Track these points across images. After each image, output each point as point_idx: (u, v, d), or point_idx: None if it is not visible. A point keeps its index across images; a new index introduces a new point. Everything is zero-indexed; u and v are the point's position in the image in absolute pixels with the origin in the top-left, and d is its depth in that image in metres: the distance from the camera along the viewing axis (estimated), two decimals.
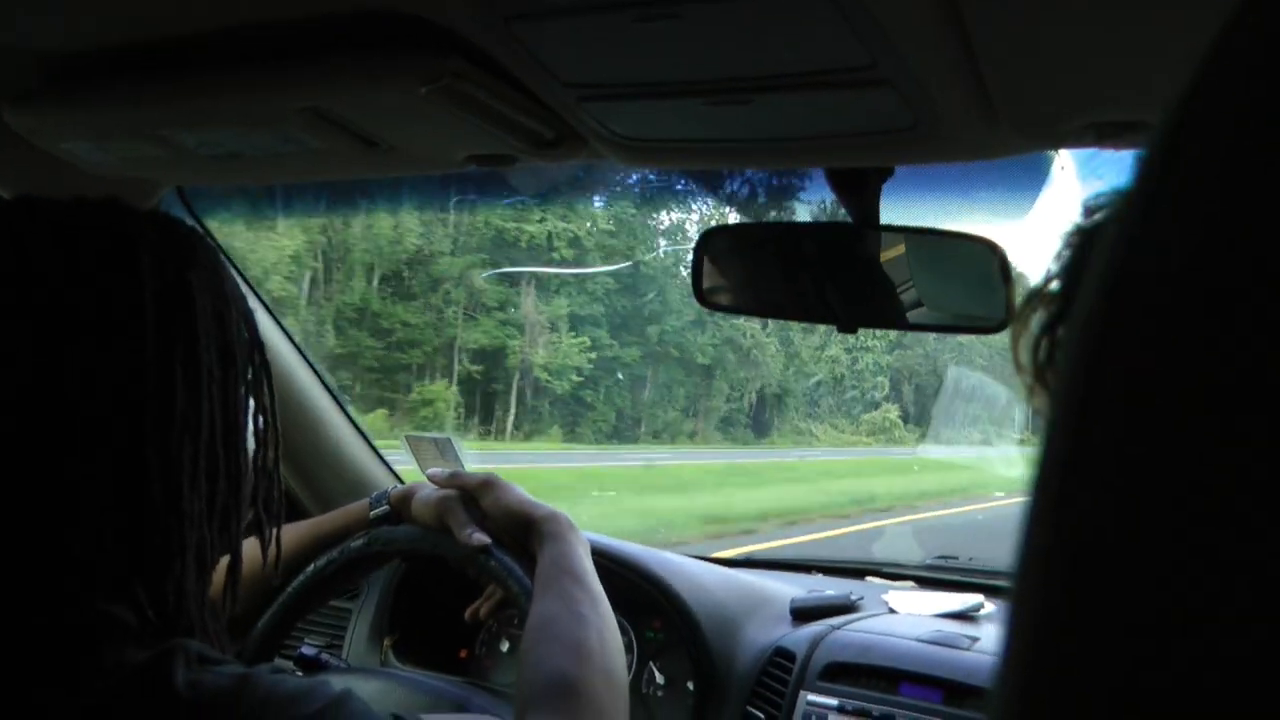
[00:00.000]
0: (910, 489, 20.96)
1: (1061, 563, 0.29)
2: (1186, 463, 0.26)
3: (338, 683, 1.04)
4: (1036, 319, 0.62)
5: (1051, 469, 0.30)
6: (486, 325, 29.74)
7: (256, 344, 1.16)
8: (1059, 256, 0.62)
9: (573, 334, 30.81)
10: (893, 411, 38.55)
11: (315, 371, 2.32)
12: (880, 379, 38.12)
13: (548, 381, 30.19)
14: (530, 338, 30.22)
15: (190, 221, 1.81)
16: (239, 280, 1.18)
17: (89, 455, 0.99)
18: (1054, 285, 0.61)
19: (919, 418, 38.05)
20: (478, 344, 29.55)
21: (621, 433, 32.93)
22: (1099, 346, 0.29)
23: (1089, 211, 0.61)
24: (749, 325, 34.20)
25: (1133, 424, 0.27)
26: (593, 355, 30.91)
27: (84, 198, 1.07)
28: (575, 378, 30.50)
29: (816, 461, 30.10)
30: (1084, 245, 0.60)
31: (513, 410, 30.54)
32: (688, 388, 34.76)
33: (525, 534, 1.47)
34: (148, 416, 1.01)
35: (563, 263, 31.41)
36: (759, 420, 37.26)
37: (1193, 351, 0.26)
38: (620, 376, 32.71)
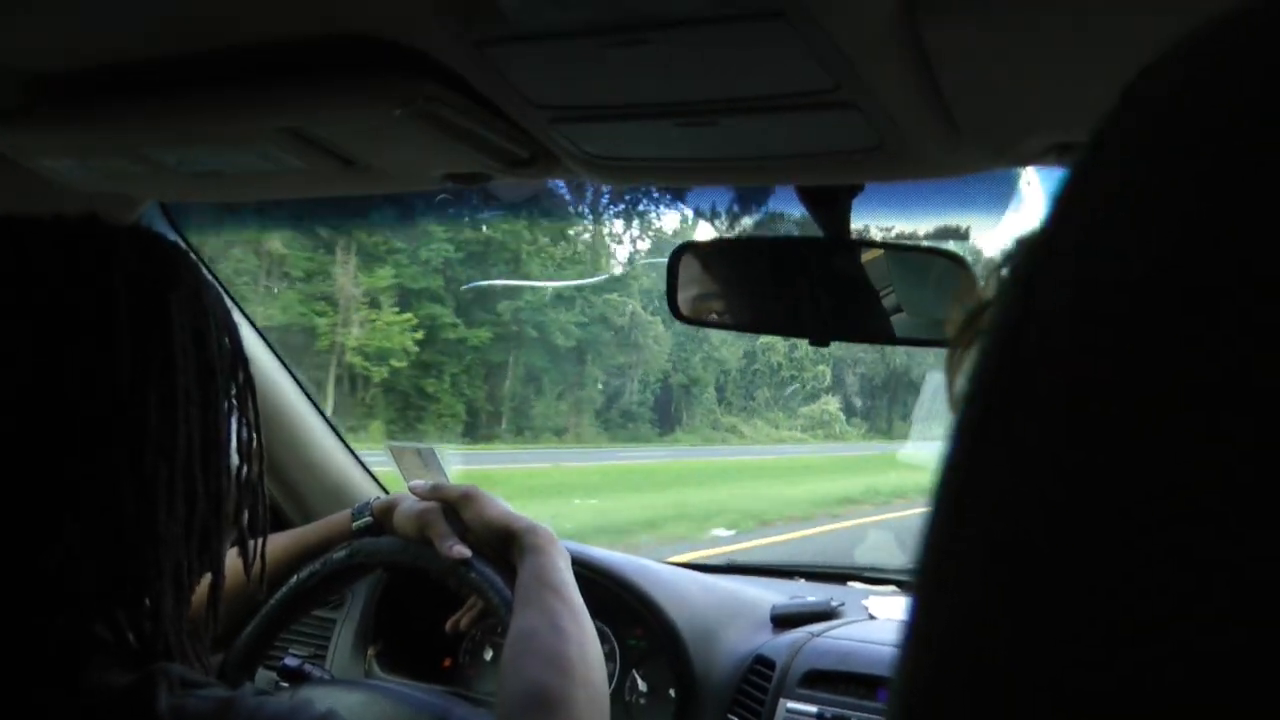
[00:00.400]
0: (824, 494, 19.07)
1: (991, 561, 0.29)
2: (1155, 464, 0.26)
3: (321, 703, 1.05)
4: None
5: (972, 476, 0.31)
6: (289, 299, 24.29)
7: (240, 360, 1.16)
8: (994, 283, 0.62)
9: (396, 310, 25.79)
10: (832, 404, 36.05)
11: (297, 381, 2.33)
12: (821, 368, 35.29)
13: (364, 368, 25.32)
14: (344, 315, 25.23)
15: (172, 236, 1.83)
16: (223, 295, 1.18)
17: (62, 478, 1.00)
18: (987, 314, 0.62)
19: (866, 411, 36.48)
20: (275, 321, 23.50)
21: (476, 429, 28.31)
22: (1036, 355, 0.30)
23: (1020, 242, 0.62)
24: (624, 300, 30.95)
25: (1079, 428, 0.27)
26: (420, 335, 25.79)
27: (61, 215, 1.07)
28: (397, 363, 25.56)
29: (727, 461, 28.14)
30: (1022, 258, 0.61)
31: (330, 401, 24.12)
32: (553, 376, 30.03)
33: (506, 546, 1.48)
34: (119, 441, 1.01)
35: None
36: (663, 414, 33.27)
37: (1165, 354, 0.26)
38: (469, 362, 27.62)
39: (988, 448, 0.31)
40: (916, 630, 0.33)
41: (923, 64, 0.97)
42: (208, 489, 1.08)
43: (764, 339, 32.60)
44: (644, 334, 31.77)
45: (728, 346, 34.16)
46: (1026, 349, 0.30)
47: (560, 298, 29.99)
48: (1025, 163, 1.20)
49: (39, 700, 0.95)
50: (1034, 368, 0.29)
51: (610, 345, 31.81)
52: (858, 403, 36.43)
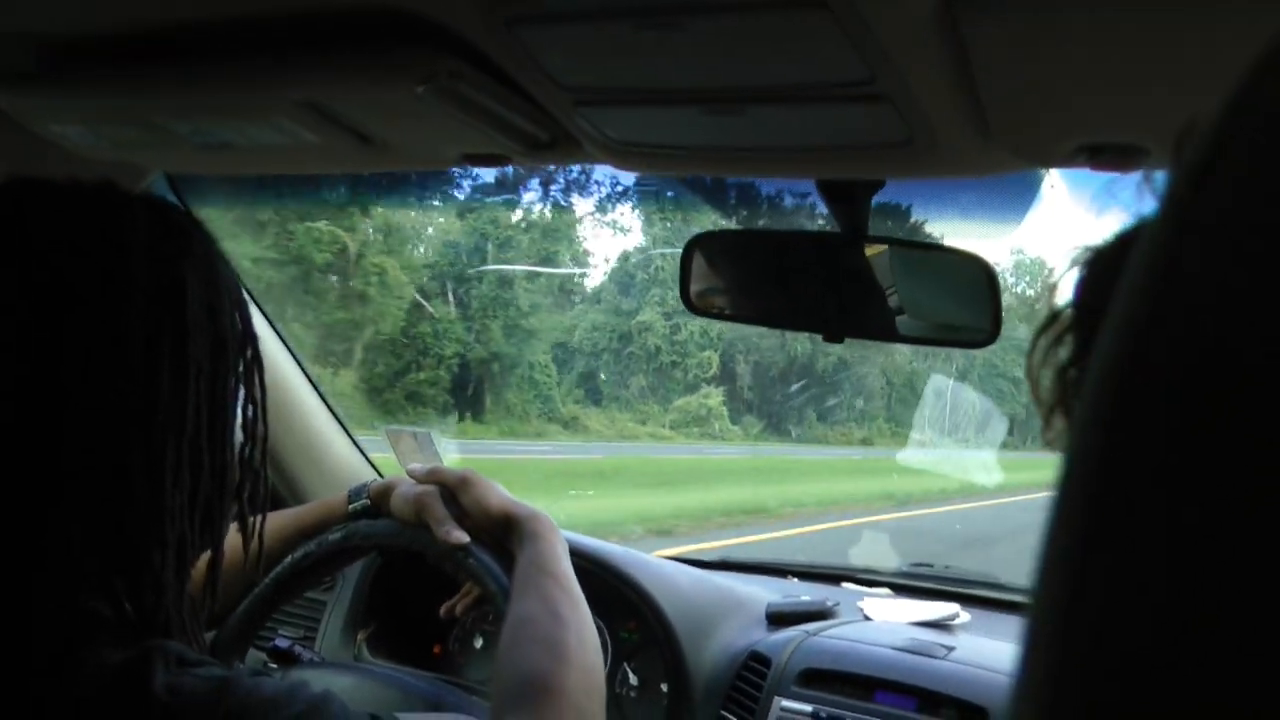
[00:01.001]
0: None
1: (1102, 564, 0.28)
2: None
3: (317, 684, 1.04)
4: (1046, 342, 0.62)
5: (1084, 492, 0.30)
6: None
7: (250, 337, 1.14)
8: (1076, 280, 0.61)
9: None
10: (713, 397, 31.13)
11: (298, 361, 2.32)
12: (708, 354, 30.95)
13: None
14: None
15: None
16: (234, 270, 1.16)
17: (70, 447, 0.98)
18: (1070, 314, 0.61)
19: (758, 407, 32.82)
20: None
21: None
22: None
23: (1119, 239, 0.60)
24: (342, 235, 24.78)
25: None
26: None
27: (78, 180, 1.05)
28: None
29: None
30: (1102, 270, 0.59)
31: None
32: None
33: (505, 532, 1.47)
34: (129, 409, 1.00)
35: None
36: (475, 399, 27.81)
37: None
38: None
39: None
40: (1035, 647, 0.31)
41: (960, 59, 0.96)
42: (213, 463, 1.07)
43: (644, 317, 30.98)
44: (385, 290, 26.03)
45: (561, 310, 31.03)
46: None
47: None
48: (1054, 164, 1.19)
49: (33, 677, 0.94)
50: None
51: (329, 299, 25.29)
52: (750, 396, 32.75)
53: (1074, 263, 0.60)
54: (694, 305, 1.52)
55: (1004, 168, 1.20)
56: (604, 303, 33.05)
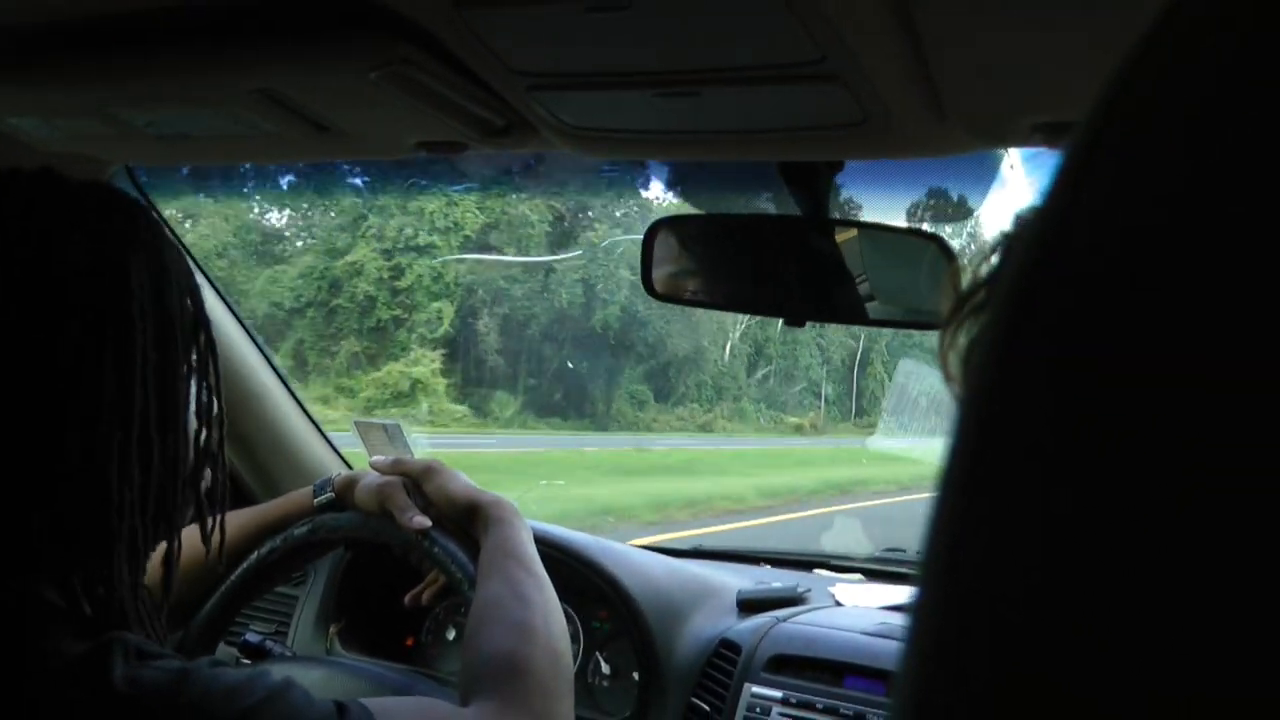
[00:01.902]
0: None
1: (974, 555, 0.28)
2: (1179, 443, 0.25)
3: (278, 672, 1.03)
4: (956, 324, 0.62)
5: (965, 463, 0.30)
6: None
7: (202, 323, 1.13)
8: (987, 264, 0.61)
9: None
10: (425, 363, 23.81)
11: (262, 351, 2.30)
12: (439, 305, 24.43)
13: None
14: None
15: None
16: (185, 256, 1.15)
17: (13, 440, 0.97)
18: (981, 294, 0.61)
19: (511, 379, 26.06)
20: None
21: None
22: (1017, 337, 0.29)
23: (1019, 220, 0.60)
24: None
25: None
26: None
27: (16, 169, 1.04)
28: None
29: None
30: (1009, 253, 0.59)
31: None
32: None
33: (469, 519, 1.48)
34: (72, 403, 0.98)
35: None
36: None
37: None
38: None
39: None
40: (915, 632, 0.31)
41: (911, 39, 0.96)
42: (164, 454, 1.05)
43: (353, 257, 24.53)
44: None
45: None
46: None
47: None
48: (1011, 143, 1.18)
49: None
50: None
51: None
52: (497, 364, 25.98)
53: (993, 243, 0.60)
54: (656, 290, 1.52)
55: (962, 148, 1.20)
56: (319, 240, 26.52)
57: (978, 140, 1.18)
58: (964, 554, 0.29)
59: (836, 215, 1.39)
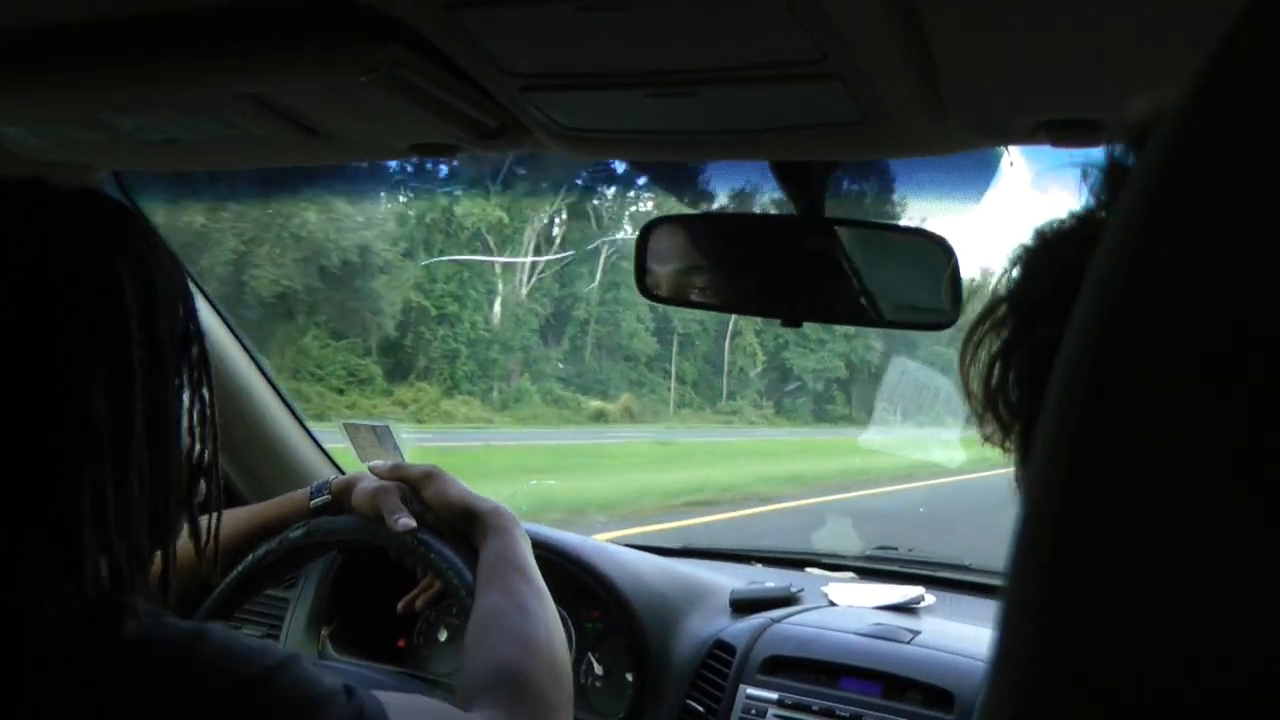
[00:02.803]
0: None
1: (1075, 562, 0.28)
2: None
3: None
4: (980, 338, 0.61)
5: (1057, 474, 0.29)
6: None
7: (195, 334, 1.10)
8: (1009, 278, 0.60)
9: None
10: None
11: (252, 356, 2.29)
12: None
13: None
14: None
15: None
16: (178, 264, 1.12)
17: (6, 454, 0.94)
18: (1003, 309, 0.59)
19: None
20: None
21: None
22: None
23: (1040, 235, 0.59)
24: None
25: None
26: None
27: (5, 180, 1.02)
28: None
29: None
30: (1037, 269, 0.58)
31: None
32: None
33: (468, 527, 1.47)
34: (64, 422, 0.96)
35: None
36: None
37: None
38: None
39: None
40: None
41: (913, 35, 0.94)
42: (154, 471, 1.03)
43: None
44: None
45: None
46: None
47: None
48: (1013, 141, 1.17)
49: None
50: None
51: None
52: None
53: (1013, 258, 0.59)
54: (650, 292, 1.50)
55: (962, 146, 1.19)
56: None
57: (980, 138, 1.17)
58: (1065, 563, 0.29)
59: (833, 214, 1.38)
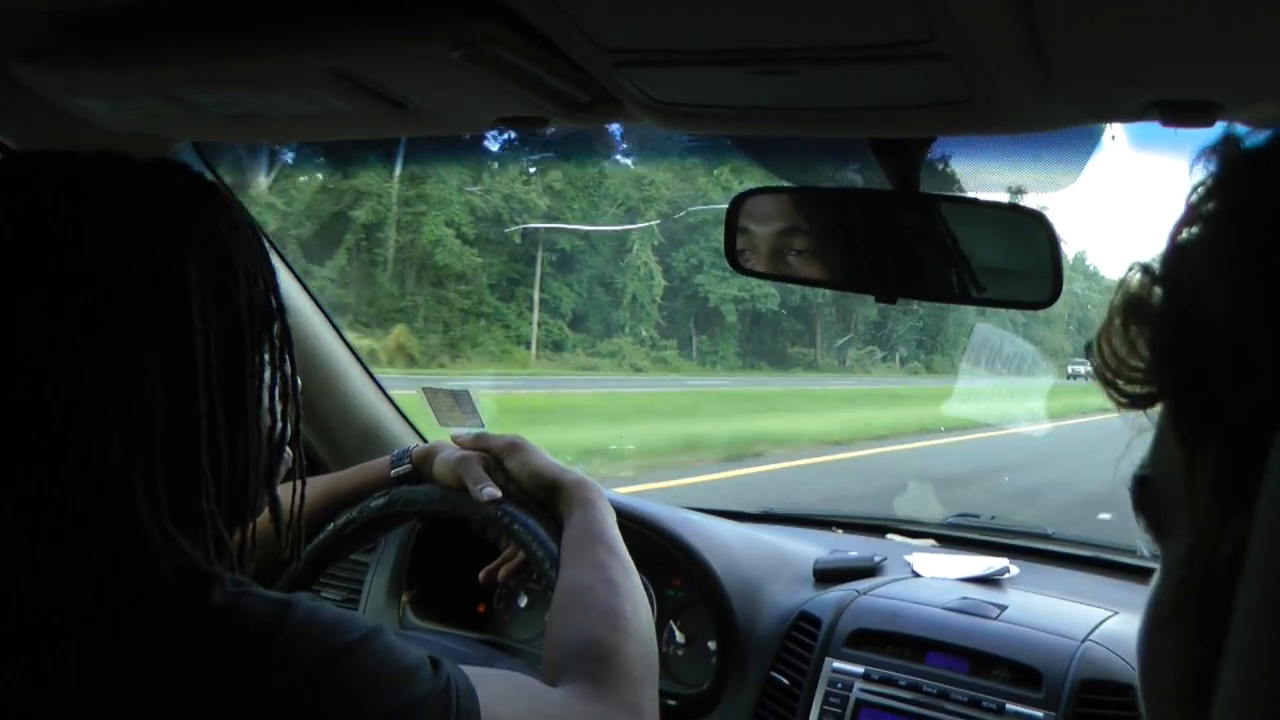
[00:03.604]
0: None
1: None
2: None
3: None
4: (1124, 319, 0.58)
5: None
6: None
7: (278, 310, 1.08)
8: (1164, 265, 0.57)
9: None
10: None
11: (332, 324, 2.28)
12: None
13: None
14: None
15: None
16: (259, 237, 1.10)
17: (72, 454, 0.93)
18: (1158, 295, 0.57)
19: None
20: None
21: None
22: None
23: (1191, 219, 0.56)
24: None
25: None
26: None
27: (73, 152, 1.00)
28: None
29: None
30: (1198, 257, 0.55)
31: None
32: None
33: (551, 498, 1.48)
34: (133, 416, 0.93)
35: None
36: None
37: None
38: None
39: None
40: None
41: (1026, 15, 0.91)
42: (234, 458, 1.01)
43: None
44: None
45: None
46: None
47: None
48: (1121, 119, 1.13)
49: (82, 598, 0.92)
50: None
51: None
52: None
53: (1171, 239, 0.56)
54: (739, 264, 1.48)
55: (1067, 123, 1.15)
56: None
57: (1086, 115, 1.13)
58: None
59: (928, 188, 1.34)
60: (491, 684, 1.07)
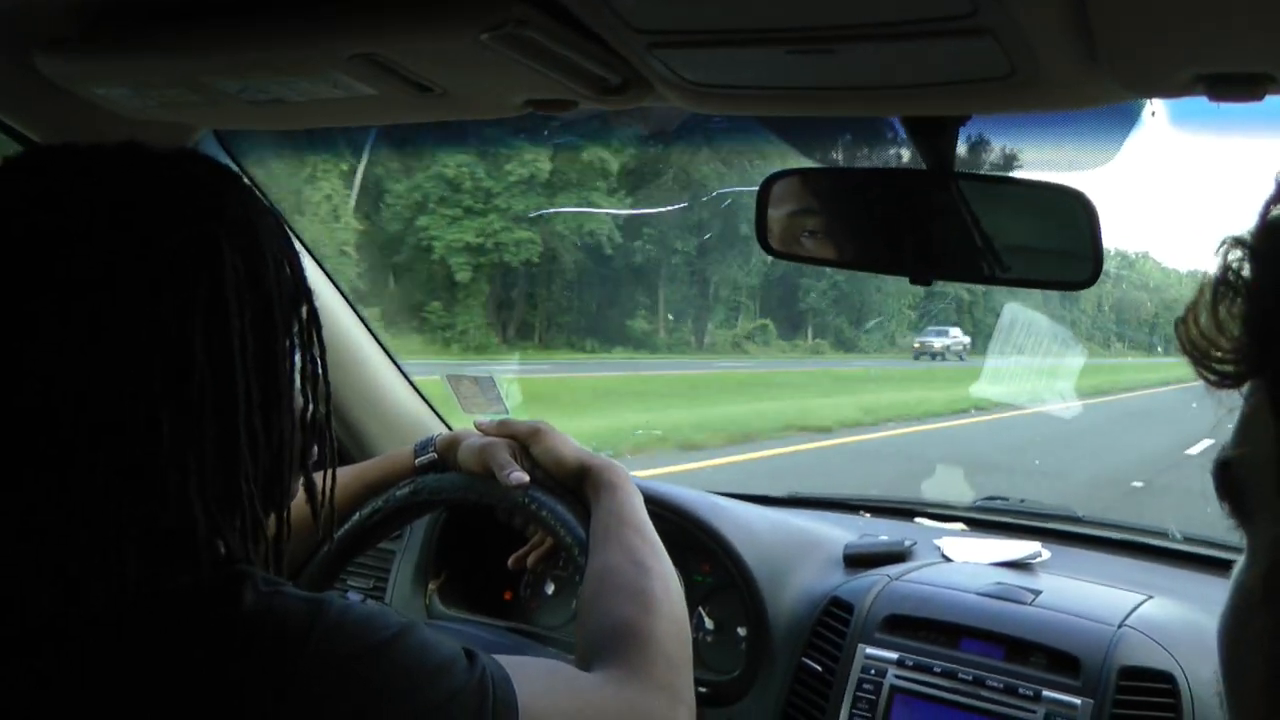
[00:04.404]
0: None
1: None
2: None
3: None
4: (1215, 296, 0.57)
5: None
6: None
7: (304, 294, 1.08)
8: (1257, 241, 0.55)
9: None
10: None
11: (356, 312, 2.27)
12: None
13: None
14: None
15: (227, 162, 1.76)
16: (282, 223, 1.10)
17: (101, 442, 0.92)
18: (1251, 271, 0.55)
19: None
20: None
21: None
22: None
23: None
24: None
25: None
26: None
27: (98, 145, 1.00)
28: None
29: None
30: None
31: None
32: None
33: (579, 483, 1.47)
34: (165, 398, 0.93)
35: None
36: None
37: None
38: None
39: None
40: None
41: None
42: (269, 440, 1.02)
43: None
44: None
45: None
46: None
47: None
48: (1166, 94, 1.11)
49: (112, 599, 0.92)
50: None
51: None
52: None
53: (1262, 215, 0.55)
54: (771, 247, 1.46)
55: (1111, 99, 1.13)
56: None
57: (1130, 91, 1.11)
58: None
59: (962, 167, 1.32)
60: (527, 672, 1.06)
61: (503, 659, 1.04)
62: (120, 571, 0.92)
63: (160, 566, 0.93)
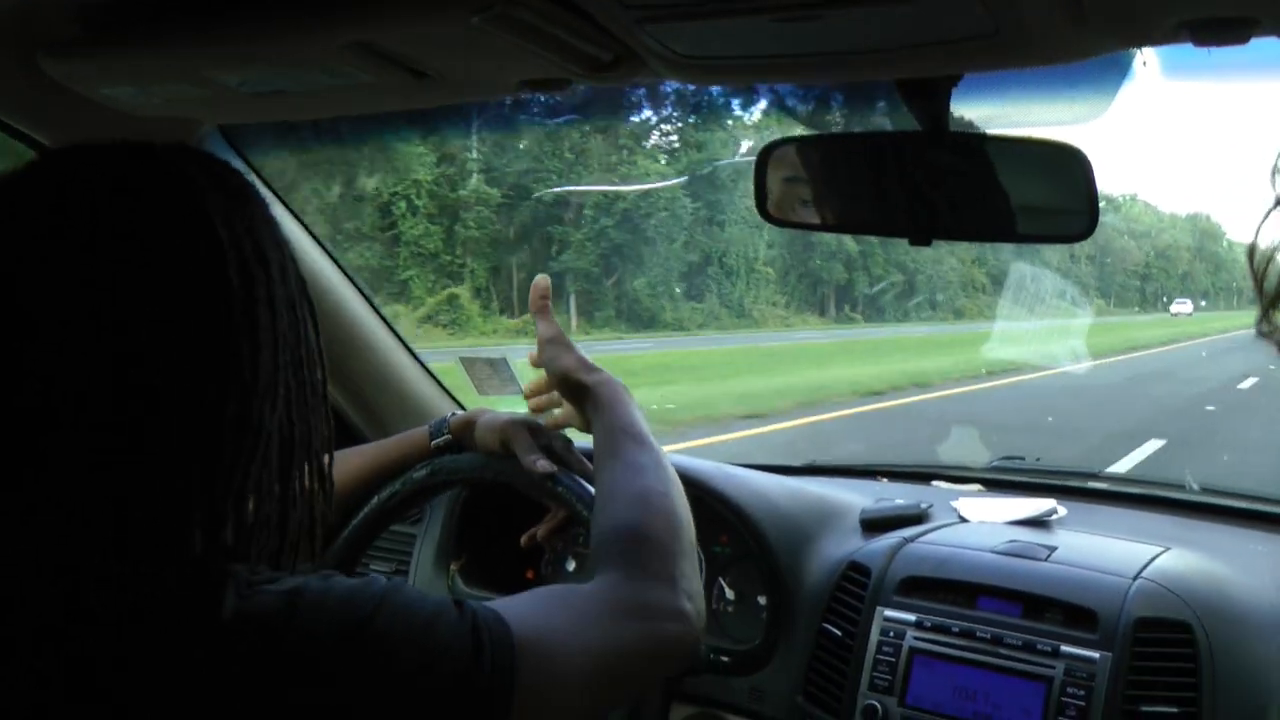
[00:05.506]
0: None
1: None
2: None
3: (382, 576, 1.03)
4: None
5: None
6: None
7: (302, 285, 1.08)
8: None
9: None
10: None
11: (364, 295, 2.28)
12: None
13: None
14: None
15: (235, 160, 1.78)
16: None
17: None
18: None
19: None
20: None
21: None
22: None
23: None
24: None
25: None
26: None
27: (125, 144, 1.00)
28: None
29: None
30: None
31: None
32: None
33: (579, 399, 1.49)
34: (166, 398, 0.94)
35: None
36: None
37: None
38: None
39: None
40: None
41: None
42: (282, 436, 1.02)
43: None
44: None
45: None
46: None
47: None
48: (1152, 42, 1.11)
49: (112, 600, 0.92)
50: None
51: None
52: None
53: None
54: (771, 216, 1.47)
55: (1097, 51, 1.13)
56: None
57: (1117, 42, 1.11)
58: None
59: (957, 127, 1.33)
60: (516, 603, 1.07)
61: (496, 601, 1.05)
62: (120, 572, 0.92)
63: (160, 566, 0.94)
